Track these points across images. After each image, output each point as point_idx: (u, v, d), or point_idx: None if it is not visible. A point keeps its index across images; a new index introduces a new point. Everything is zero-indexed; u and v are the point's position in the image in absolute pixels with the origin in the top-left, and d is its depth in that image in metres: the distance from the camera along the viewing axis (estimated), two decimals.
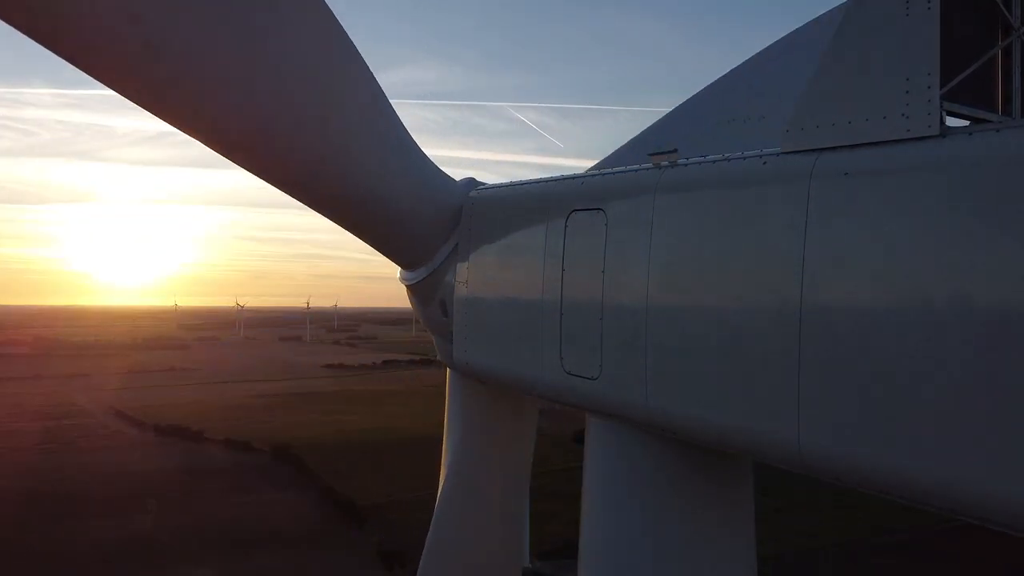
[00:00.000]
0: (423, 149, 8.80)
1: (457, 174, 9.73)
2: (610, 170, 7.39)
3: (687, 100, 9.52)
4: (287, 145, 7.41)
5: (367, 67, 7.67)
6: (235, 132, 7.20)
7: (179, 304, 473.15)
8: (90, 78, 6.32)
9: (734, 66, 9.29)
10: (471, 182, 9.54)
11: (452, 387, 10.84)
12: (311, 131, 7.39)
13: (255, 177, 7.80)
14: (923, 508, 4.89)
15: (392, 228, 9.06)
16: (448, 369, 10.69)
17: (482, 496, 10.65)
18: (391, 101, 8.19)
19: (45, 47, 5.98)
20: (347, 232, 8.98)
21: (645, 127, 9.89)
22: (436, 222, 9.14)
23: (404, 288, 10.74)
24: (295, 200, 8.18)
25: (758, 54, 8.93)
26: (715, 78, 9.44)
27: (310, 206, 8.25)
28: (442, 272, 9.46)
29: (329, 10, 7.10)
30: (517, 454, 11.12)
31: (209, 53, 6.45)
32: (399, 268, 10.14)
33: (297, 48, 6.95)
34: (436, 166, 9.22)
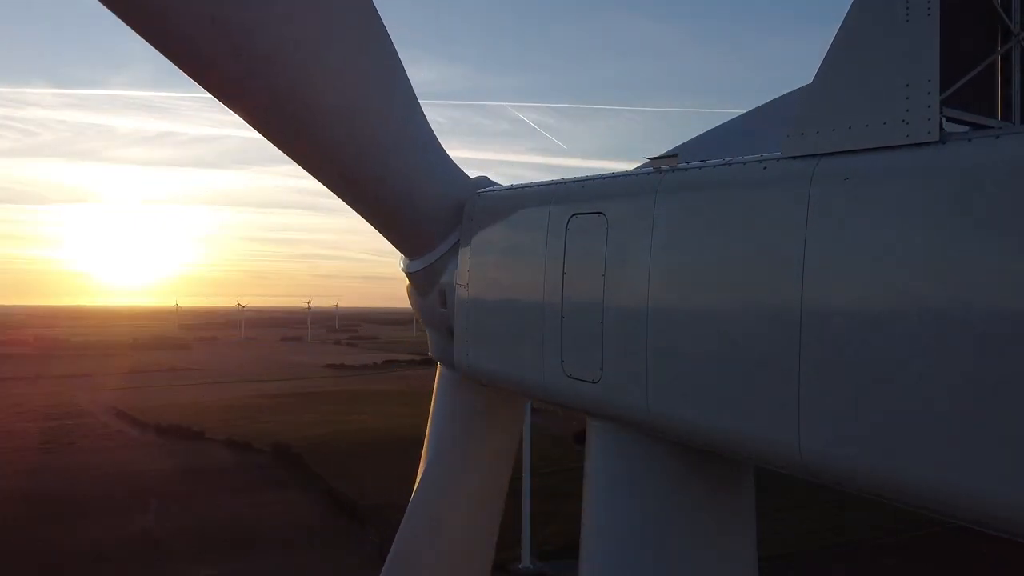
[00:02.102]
0: None
1: None
2: (610, 174, 7.42)
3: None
4: (321, 129, 8.01)
5: (400, 64, 8.34)
6: (286, 119, 7.89)
7: (180, 304, 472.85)
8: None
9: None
10: (483, 180, 9.61)
11: (441, 385, 10.78)
12: (345, 117, 8.00)
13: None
14: (923, 513, 4.91)
15: (398, 210, 9.25)
16: (439, 365, 10.68)
17: (457, 500, 10.52)
18: None
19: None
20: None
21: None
22: (441, 210, 9.27)
23: (405, 289, 10.76)
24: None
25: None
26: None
27: (319, 179, 8.62)
28: (442, 263, 9.53)
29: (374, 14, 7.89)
30: (500, 462, 10.96)
31: (281, 58, 7.25)
32: (401, 257, 10.19)
33: (348, 52, 7.82)
34: (451, 160, 9.40)
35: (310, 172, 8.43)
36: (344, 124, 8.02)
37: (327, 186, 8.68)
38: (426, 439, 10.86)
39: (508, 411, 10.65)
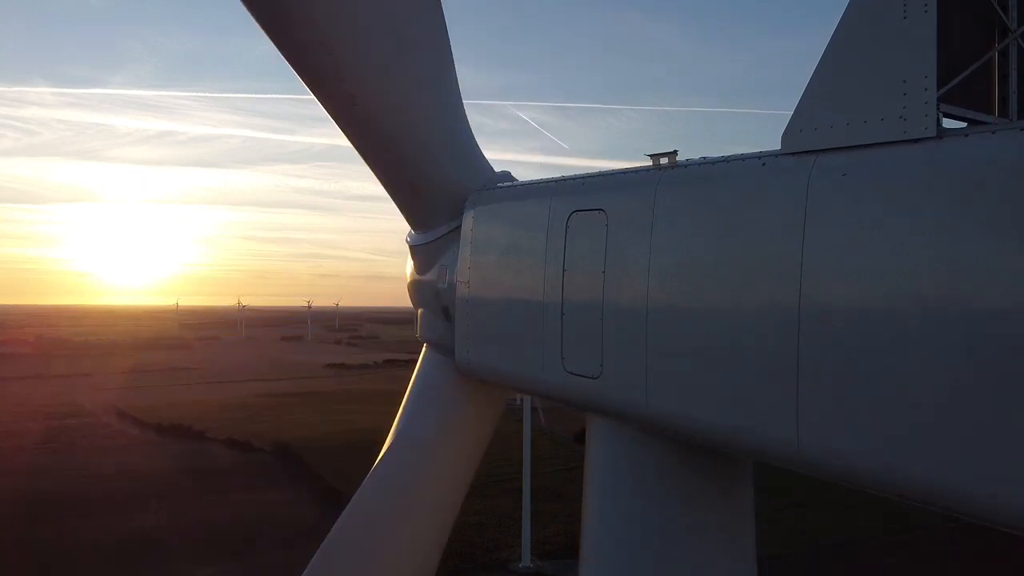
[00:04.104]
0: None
1: None
2: (610, 171, 7.44)
3: None
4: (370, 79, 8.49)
5: (450, 62, 9.07)
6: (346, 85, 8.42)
7: (180, 304, 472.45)
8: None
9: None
10: (505, 175, 9.76)
11: (424, 366, 10.41)
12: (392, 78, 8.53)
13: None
14: (923, 508, 4.93)
15: (414, 175, 9.47)
16: (424, 347, 10.48)
17: (420, 485, 10.01)
18: None
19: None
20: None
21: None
22: (454, 191, 9.47)
23: (405, 287, 10.79)
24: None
25: None
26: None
27: (349, 134, 9.02)
28: (444, 242, 9.72)
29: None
30: (470, 454, 10.37)
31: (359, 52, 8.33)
32: (408, 231, 10.39)
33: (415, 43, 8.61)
34: (481, 154, 9.76)
35: (336, 119, 8.72)
36: (384, 84, 8.46)
37: (351, 136, 8.97)
38: (397, 418, 10.34)
39: (488, 404, 10.31)
